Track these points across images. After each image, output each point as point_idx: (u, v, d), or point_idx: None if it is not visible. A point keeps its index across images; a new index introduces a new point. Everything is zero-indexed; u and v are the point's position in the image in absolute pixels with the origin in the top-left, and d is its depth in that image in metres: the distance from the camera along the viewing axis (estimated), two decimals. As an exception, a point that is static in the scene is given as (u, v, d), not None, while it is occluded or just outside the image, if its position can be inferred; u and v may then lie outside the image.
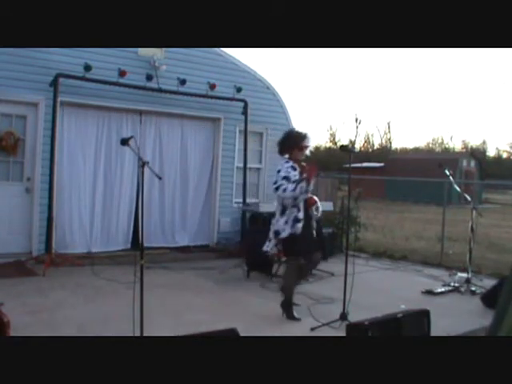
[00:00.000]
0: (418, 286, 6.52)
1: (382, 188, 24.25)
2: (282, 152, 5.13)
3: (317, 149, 39.47)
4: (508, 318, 2.29)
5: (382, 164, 31.84)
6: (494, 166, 42.51)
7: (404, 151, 46.06)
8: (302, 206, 4.89)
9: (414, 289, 6.44)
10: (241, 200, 8.66)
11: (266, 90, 9.10)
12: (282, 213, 4.91)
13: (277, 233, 4.94)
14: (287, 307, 4.95)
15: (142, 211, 4.02)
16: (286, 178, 4.82)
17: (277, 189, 4.85)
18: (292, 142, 5.07)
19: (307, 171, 4.80)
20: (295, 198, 4.81)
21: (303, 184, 4.73)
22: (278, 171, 4.93)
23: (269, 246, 5.01)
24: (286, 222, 4.88)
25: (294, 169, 4.94)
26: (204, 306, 5.33)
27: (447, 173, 6.92)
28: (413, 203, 21.10)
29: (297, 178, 4.83)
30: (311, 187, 4.87)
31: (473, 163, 30.87)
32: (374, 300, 5.71)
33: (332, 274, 6.79)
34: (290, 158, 5.02)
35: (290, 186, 4.76)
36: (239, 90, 8.41)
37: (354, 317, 4.66)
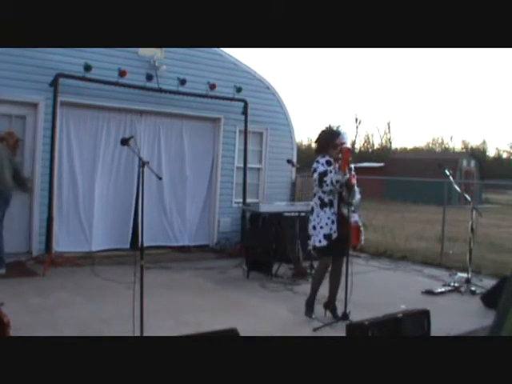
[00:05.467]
0: (418, 286, 6.52)
1: (381, 188, 24.23)
2: (318, 151, 5.10)
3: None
4: (510, 319, 2.29)
5: (381, 164, 31.82)
6: (493, 165, 42.52)
7: (404, 151, 46.06)
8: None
9: (414, 289, 6.43)
10: (241, 200, 8.66)
11: (266, 90, 9.10)
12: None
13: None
14: (308, 304, 5.06)
15: (142, 211, 4.02)
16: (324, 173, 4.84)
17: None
18: (326, 140, 5.04)
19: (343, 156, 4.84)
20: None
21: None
22: (315, 169, 4.91)
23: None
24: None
25: (330, 163, 4.94)
26: (204, 306, 5.33)
27: (447, 173, 6.91)
28: (413, 203, 21.09)
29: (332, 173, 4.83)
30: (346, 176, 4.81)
31: (473, 163, 30.86)
32: (374, 300, 5.71)
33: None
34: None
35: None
36: (239, 90, 8.41)
37: (355, 316, 4.66)
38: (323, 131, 5.15)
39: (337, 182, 4.76)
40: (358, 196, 5.04)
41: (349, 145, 5.13)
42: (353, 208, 4.96)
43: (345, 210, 4.90)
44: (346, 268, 4.82)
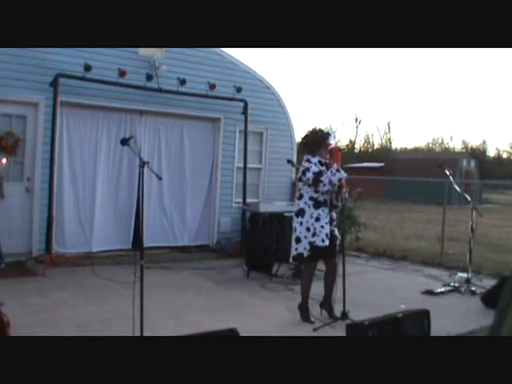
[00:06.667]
0: (418, 286, 6.52)
1: (382, 188, 24.21)
2: (308, 151, 5.04)
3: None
4: (509, 319, 2.29)
5: (381, 164, 31.83)
6: (493, 166, 42.52)
7: (404, 151, 46.07)
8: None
9: (413, 289, 6.43)
10: (241, 200, 8.66)
11: (266, 90, 9.10)
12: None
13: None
14: (302, 309, 4.99)
15: (142, 211, 4.02)
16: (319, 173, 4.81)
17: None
18: (318, 140, 4.99)
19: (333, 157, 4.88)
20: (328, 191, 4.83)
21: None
22: (307, 169, 4.85)
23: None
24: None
25: (322, 163, 4.93)
26: (204, 306, 5.33)
27: (447, 173, 6.91)
28: (413, 203, 21.07)
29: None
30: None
31: (473, 163, 30.88)
32: (374, 300, 5.71)
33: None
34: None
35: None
36: (239, 90, 8.41)
37: (355, 316, 4.67)
38: (314, 132, 5.11)
39: (339, 180, 4.77)
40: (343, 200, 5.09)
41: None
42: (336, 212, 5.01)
43: (333, 214, 4.95)
44: (343, 267, 4.83)
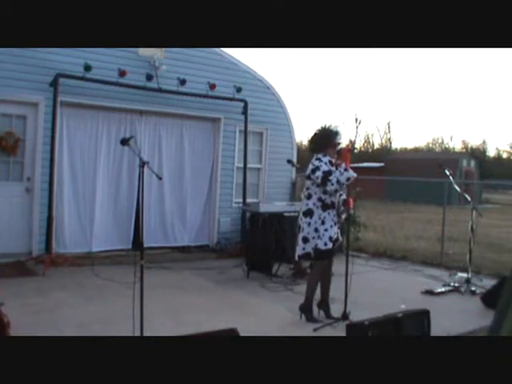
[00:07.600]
0: (418, 286, 6.52)
1: (382, 188, 24.21)
2: (316, 150, 4.98)
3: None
4: (509, 319, 2.29)
5: (381, 164, 31.83)
6: (493, 166, 42.52)
7: (404, 151, 46.05)
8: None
9: (413, 289, 6.43)
10: (241, 200, 8.66)
11: (266, 90, 9.10)
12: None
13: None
14: (305, 309, 4.96)
15: (142, 211, 4.02)
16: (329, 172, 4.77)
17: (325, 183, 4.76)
18: (327, 139, 4.94)
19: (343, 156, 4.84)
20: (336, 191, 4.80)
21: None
22: (317, 167, 4.80)
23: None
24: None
25: (332, 163, 4.90)
26: (204, 306, 5.33)
27: (447, 173, 6.91)
28: (413, 203, 21.08)
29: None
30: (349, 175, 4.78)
31: (473, 163, 30.87)
32: (374, 300, 5.71)
33: (332, 274, 6.77)
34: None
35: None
36: (239, 90, 8.41)
37: (355, 316, 4.67)
38: (322, 130, 5.03)
39: (347, 179, 4.73)
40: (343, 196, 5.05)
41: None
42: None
43: (342, 216, 4.95)
44: (346, 268, 4.83)
